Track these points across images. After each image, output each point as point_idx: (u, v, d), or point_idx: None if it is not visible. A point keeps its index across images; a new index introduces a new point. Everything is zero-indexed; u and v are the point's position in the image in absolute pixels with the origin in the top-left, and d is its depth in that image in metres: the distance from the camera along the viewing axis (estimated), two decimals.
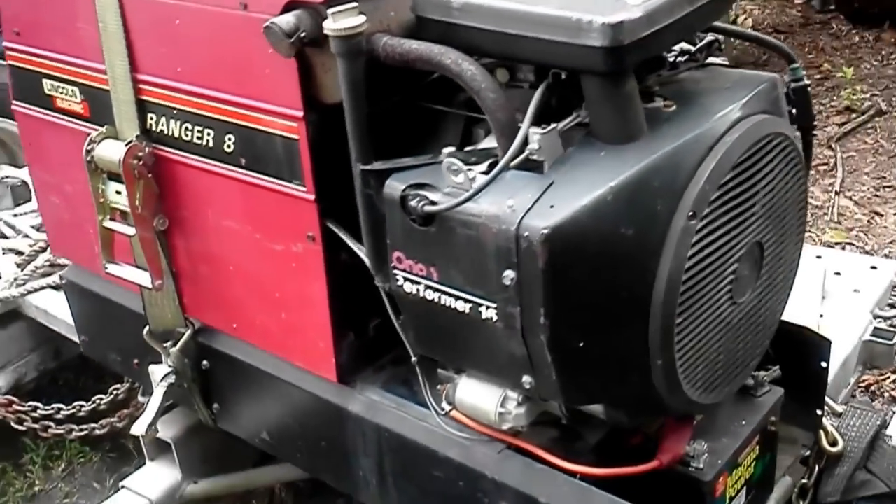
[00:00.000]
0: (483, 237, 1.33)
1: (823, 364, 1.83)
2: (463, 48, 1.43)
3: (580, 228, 1.29)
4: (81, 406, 2.50)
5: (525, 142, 1.34)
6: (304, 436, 1.90)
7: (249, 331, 1.88)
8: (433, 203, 1.38)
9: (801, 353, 1.83)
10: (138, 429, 1.99)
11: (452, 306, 1.43)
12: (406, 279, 1.47)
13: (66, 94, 1.93)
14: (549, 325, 1.33)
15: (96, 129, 1.82)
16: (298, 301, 1.73)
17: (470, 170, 1.38)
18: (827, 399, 1.95)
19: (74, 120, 1.93)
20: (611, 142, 1.37)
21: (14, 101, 2.08)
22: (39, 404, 2.52)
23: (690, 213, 1.34)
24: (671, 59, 1.54)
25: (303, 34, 1.42)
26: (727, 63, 1.66)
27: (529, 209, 1.30)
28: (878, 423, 1.90)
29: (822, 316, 2.46)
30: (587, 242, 1.30)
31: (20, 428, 2.52)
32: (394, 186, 1.43)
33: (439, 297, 1.44)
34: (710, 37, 1.59)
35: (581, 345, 1.37)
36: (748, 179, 1.42)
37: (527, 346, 1.37)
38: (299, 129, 1.55)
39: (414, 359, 1.61)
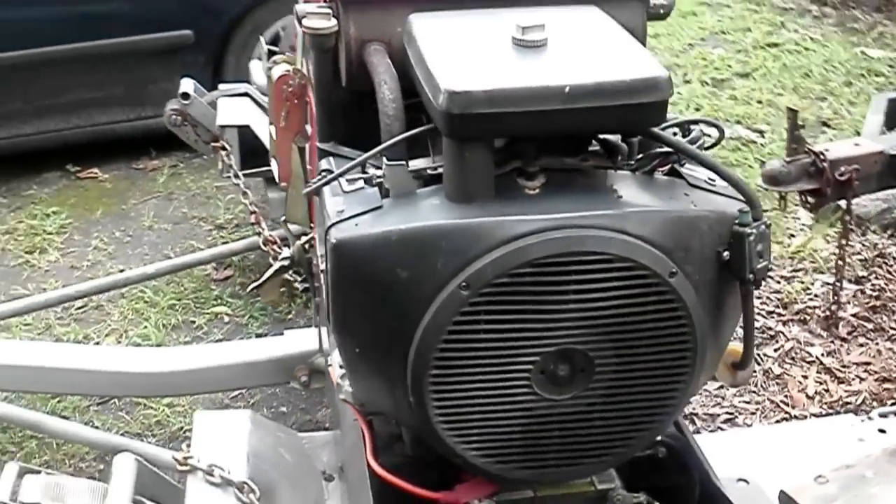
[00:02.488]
0: (320, 225, 1.57)
1: None
2: (406, 76, 1.63)
3: (361, 253, 1.46)
4: None
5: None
6: None
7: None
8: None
9: None
10: (249, 287, 2.51)
11: (319, 273, 1.69)
12: (313, 240, 1.76)
13: None
14: (333, 323, 1.54)
15: None
16: None
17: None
18: None
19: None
20: (447, 196, 1.50)
21: None
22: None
23: (463, 284, 1.43)
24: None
25: None
26: (697, 180, 1.59)
27: (344, 220, 1.51)
28: None
29: None
30: (364, 267, 1.47)
31: (263, 249, 3.16)
32: (321, 165, 1.71)
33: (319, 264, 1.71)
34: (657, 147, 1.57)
35: (357, 351, 1.55)
36: (557, 284, 1.43)
37: (332, 330, 1.59)
38: None
39: None
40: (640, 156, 1.58)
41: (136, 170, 4.78)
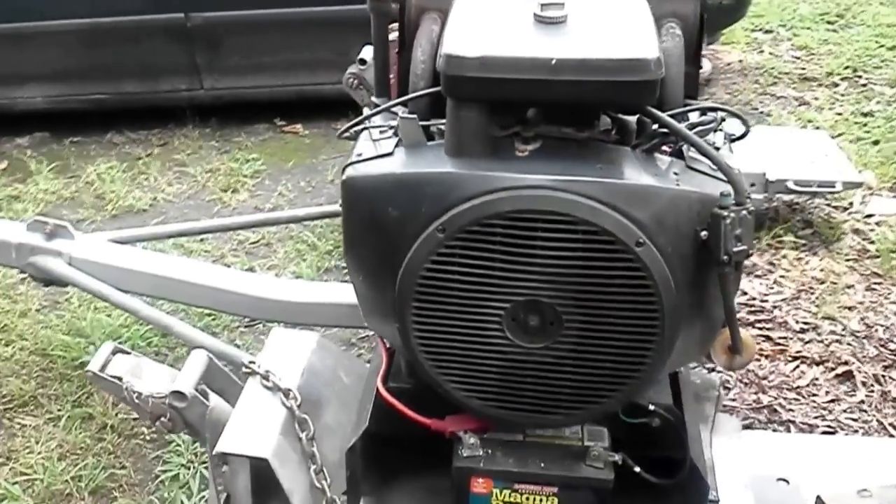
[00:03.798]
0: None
1: None
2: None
3: (363, 191, 1.67)
4: None
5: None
6: None
7: None
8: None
9: (687, 483, 1.81)
10: None
11: None
12: None
13: None
14: (344, 252, 1.76)
15: None
16: None
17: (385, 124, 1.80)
18: None
19: None
20: (445, 149, 1.66)
21: None
22: None
23: (440, 227, 1.59)
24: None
25: None
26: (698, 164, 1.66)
27: (359, 161, 1.71)
28: None
29: None
30: (364, 202, 1.67)
31: None
32: (366, 113, 1.92)
33: None
34: (652, 126, 1.65)
35: (360, 278, 1.75)
36: (525, 238, 1.56)
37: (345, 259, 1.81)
38: None
39: None
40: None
41: (335, 129, 5.16)
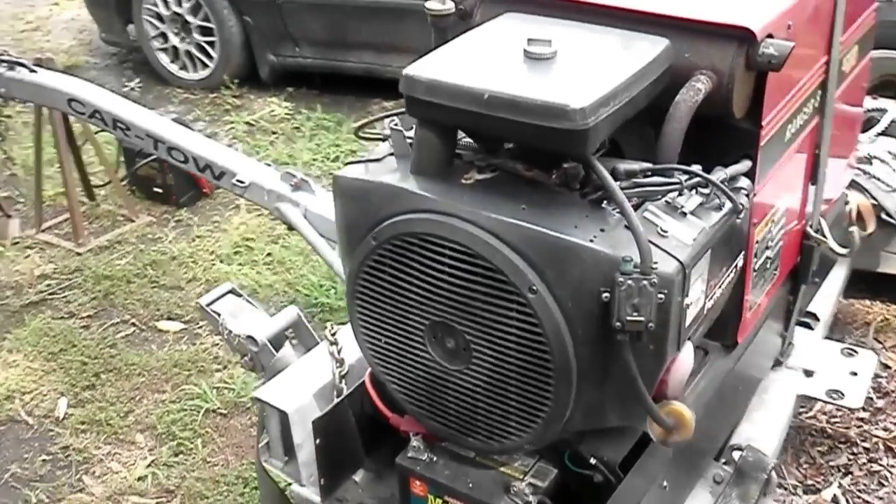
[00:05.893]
0: None
1: None
2: None
3: (341, 189, 1.79)
4: None
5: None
6: None
7: None
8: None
9: None
10: None
11: None
12: None
13: None
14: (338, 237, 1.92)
15: None
16: None
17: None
18: None
19: None
20: (410, 165, 1.75)
21: None
22: None
23: (374, 235, 1.70)
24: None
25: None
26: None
27: (355, 162, 1.85)
28: None
29: None
30: (340, 201, 1.81)
31: None
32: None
33: None
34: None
35: (344, 270, 1.91)
36: (434, 261, 1.62)
37: None
38: None
39: None
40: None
41: None
